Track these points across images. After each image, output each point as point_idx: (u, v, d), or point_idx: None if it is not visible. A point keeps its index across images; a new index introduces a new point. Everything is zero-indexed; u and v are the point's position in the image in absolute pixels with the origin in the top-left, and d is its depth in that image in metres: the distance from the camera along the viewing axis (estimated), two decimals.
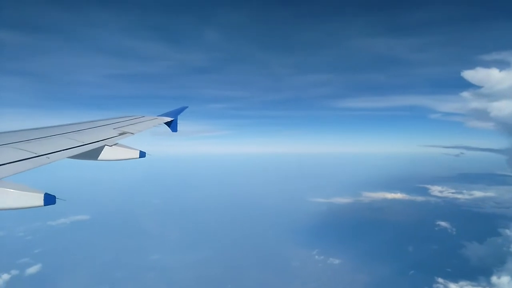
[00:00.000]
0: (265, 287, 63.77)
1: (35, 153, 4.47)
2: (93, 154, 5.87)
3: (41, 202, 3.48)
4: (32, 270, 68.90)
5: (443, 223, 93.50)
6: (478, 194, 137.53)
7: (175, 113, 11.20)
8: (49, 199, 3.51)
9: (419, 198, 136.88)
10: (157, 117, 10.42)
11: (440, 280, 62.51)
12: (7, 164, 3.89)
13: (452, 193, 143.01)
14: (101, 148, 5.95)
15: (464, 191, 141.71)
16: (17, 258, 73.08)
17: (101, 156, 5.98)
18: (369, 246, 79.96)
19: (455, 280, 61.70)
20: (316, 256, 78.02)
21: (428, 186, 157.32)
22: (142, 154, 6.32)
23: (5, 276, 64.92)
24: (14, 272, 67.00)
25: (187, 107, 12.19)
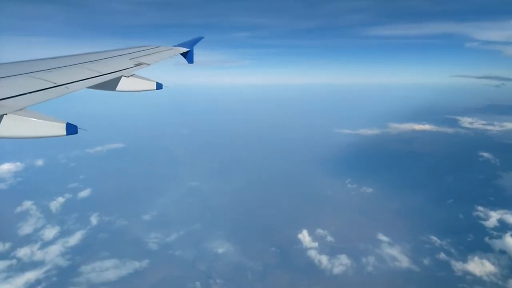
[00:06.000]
0: (301, 212, 66.14)
1: (55, 83, 4.59)
2: (111, 85, 5.99)
3: (63, 132, 3.61)
4: (83, 194, 73.34)
5: (485, 154, 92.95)
6: (510, 125, 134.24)
7: (191, 44, 10.83)
8: (71, 129, 3.63)
9: (449, 130, 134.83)
10: (173, 47, 10.11)
11: (480, 208, 63.65)
12: (28, 94, 4.02)
13: (483, 124, 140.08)
14: (118, 79, 6.04)
15: (496, 123, 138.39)
16: (67, 183, 77.65)
17: (118, 87, 6.09)
18: (404, 176, 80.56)
19: (494, 209, 62.69)
20: (349, 185, 79.41)
21: (458, 117, 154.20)
22: (159, 86, 6.43)
23: (60, 199, 69.47)
24: (67, 195, 71.56)
25: (202, 37, 11.88)
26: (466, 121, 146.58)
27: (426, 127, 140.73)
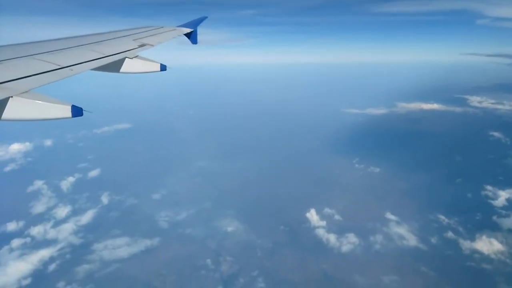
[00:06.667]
0: (309, 191, 66.41)
1: (59, 65, 4.61)
2: (115, 67, 6.02)
3: (69, 114, 3.66)
4: (93, 173, 74.12)
5: (495, 133, 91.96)
6: None
7: (195, 24, 10.69)
8: (76, 111, 3.68)
9: (457, 109, 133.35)
10: (176, 28, 10.03)
11: (489, 187, 63.42)
12: (33, 76, 4.05)
13: (492, 103, 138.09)
14: (122, 60, 6.05)
15: (505, 102, 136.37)
16: (76, 163, 78.42)
17: (122, 69, 6.12)
18: (412, 156, 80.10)
19: (503, 188, 62.43)
20: (357, 165, 79.25)
21: (467, 96, 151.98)
22: (163, 67, 6.42)
23: (70, 179, 70.32)
24: (77, 175, 72.38)
25: (206, 17, 11.73)
26: (475, 100, 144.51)
27: (435, 106, 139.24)
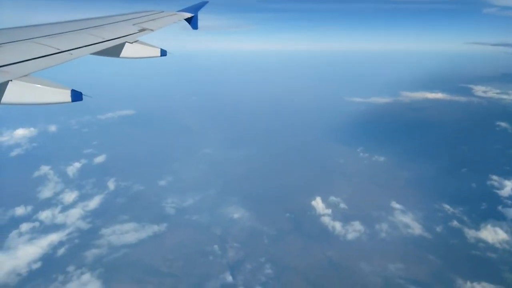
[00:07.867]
0: (314, 180, 66.67)
1: (58, 49, 4.57)
2: (115, 51, 5.96)
3: (69, 98, 3.66)
4: (99, 159, 74.29)
5: (502, 124, 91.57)
6: None
7: (195, 9, 10.54)
8: (76, 96, 3.68)
9: (462, 99, 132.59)
10: (177, 12, 9.95)
11: (494, 177, 63.46)
12: (33, 60, 4.01)
13: (497, 93, 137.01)
14: (122, 45, 6.00)
15: (510, 92, 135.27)
16: (81, 148, 78.56)
17: (122, 54, 6.05)
18: (416, 145, 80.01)
19: (509, 178, 62.43)
20: (361, 154, 79.36)
21: (471, 86, 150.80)
22: (163, 53, 6.36)
23: (76, 164, 70.57)
24: (83, 161, 72.57)
25: (207, 1, 11.50)
26: (479, 90, 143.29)
27: (439, 95, 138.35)
